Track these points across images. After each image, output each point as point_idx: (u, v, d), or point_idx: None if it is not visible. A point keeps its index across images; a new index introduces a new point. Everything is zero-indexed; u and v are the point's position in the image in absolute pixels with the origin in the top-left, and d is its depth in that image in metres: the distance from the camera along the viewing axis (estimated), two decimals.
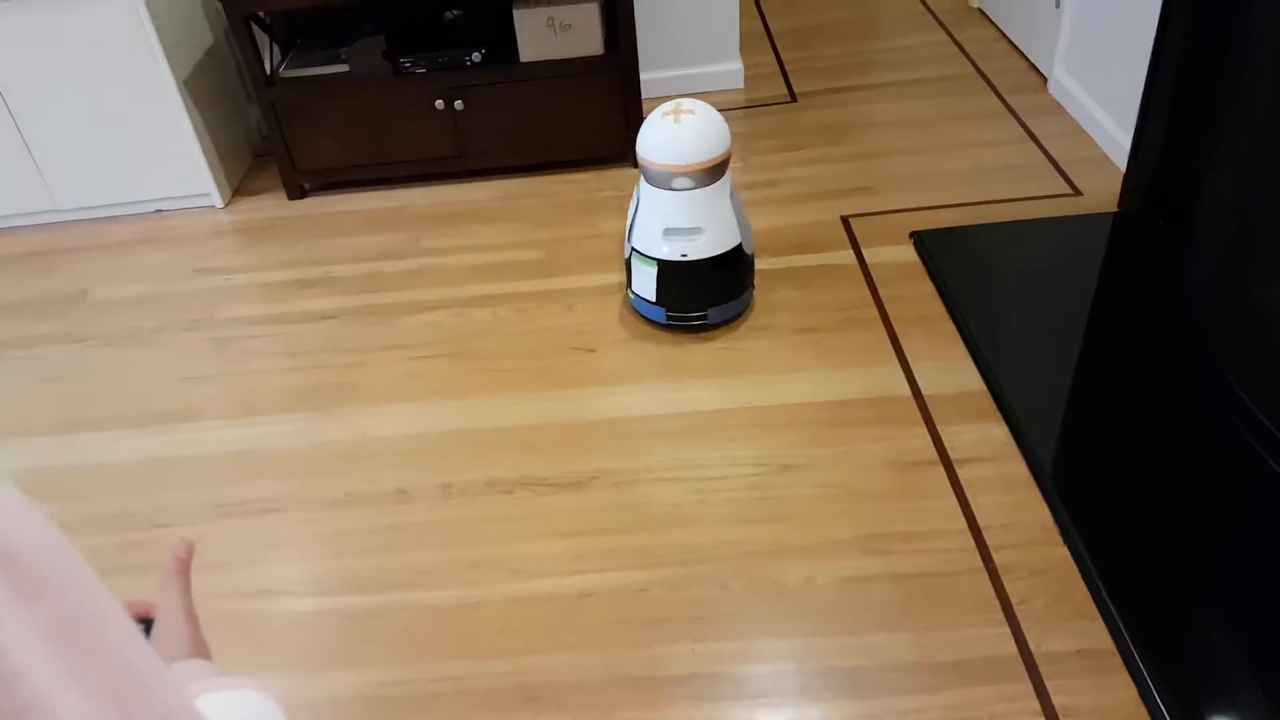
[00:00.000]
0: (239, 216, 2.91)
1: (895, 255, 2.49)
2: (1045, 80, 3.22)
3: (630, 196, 2.84)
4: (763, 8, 3.92)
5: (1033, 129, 2.97)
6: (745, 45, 3.58)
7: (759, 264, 2.49)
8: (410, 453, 2.02)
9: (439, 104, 2.75)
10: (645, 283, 2.21)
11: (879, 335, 2.24)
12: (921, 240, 2.52)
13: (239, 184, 3.07)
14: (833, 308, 2.33)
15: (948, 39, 3.55)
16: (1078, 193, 2.67)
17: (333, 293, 2.53)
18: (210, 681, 0.56)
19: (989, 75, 3.29)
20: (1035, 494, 1.85)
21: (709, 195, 2.13)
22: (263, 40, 2.87)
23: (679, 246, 2.13)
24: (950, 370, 2.13)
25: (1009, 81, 3.24)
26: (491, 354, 2.28)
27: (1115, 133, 2.76)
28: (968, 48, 3.48)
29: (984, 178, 2.77)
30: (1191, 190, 2.33)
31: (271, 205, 2.94)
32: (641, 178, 2.18)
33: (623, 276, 2.50)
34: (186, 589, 0.65)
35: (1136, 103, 2.61)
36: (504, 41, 2.74)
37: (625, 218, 2.72)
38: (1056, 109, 3.06)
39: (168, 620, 0.63)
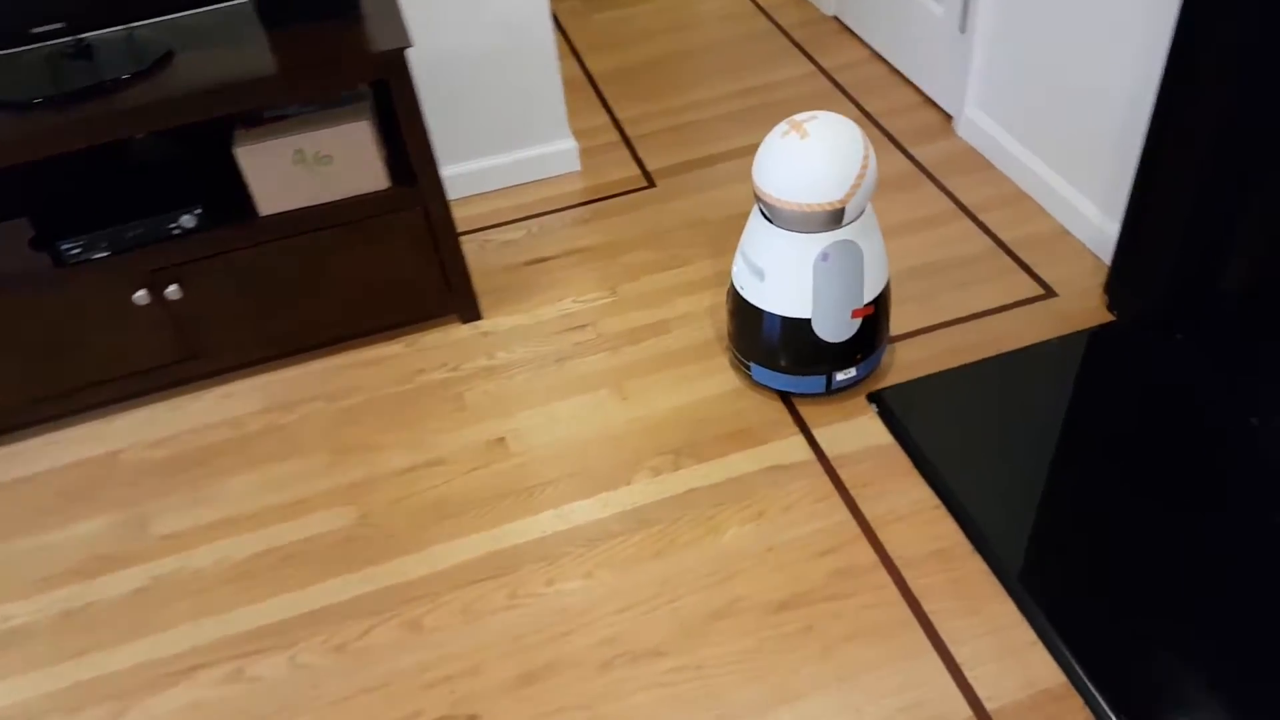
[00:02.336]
0: None
1: (860, 435, 1.76)
2: (950, 118, 2.56)
3: (464, 370, 1.97)
4: (575, 44, 3.06)
5: (961, 198, 2.30)
6: (568, 99, 2.73)
7: (685, 481, 1.69)
8: None
9: (140, 296, 1.76)
10: (727, 293, 1.84)
11: (889, 598, 1.50)
12: (886, 407, 1.79)
13: None
14: (810, 552, 1.57)
15: (813, 68, 2.83)
16: (1051, 292, 2.02)
17: (15, 666, 1.53)
18: None
19: (878, 119, 2.60)
20: None
21: (786, 242, 1.64)
22: None
23: (742, 274, 1.73)
24: (1009, 653, 1.42)
25: (908, 125, 2.56)
26: None
27: (1069, 195, 2.13)
28: (840, 78, 2.78)
29: (928, 281, 2.07)
30: (1234, 289, 1.71)
31: None
32: None
33: (498, 543, 1.64)
34: None
35: (1094, 154, 1.98)
36: (231, 190, 1.78)
37: (467, 411, 1.86)
38: (978, 162, 2.40)
39: None
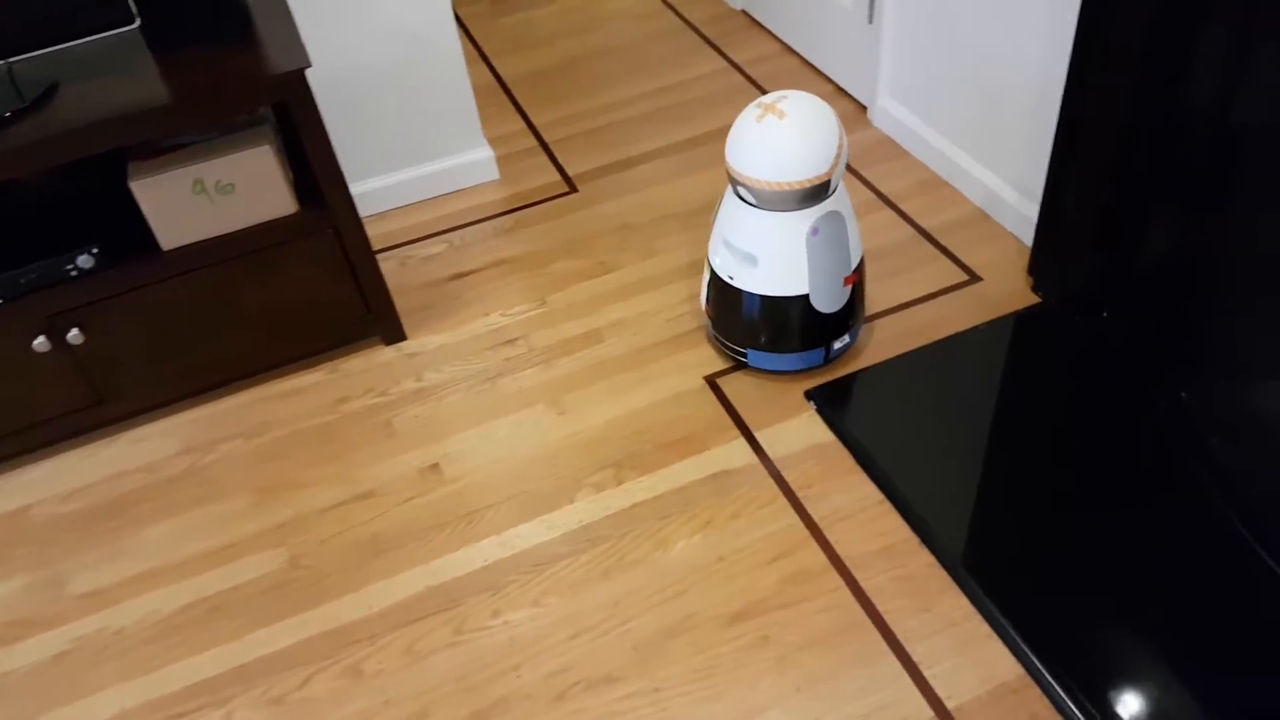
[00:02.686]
0: None
1: (801, 434, 1.74)
2: (864, 109, 2.56)
3: (391, 395, 1.90)
4: (484, 49, 2.99)
5: (880, 187, 2.30)
6: (481, 106, 2.67)
7: (629, 495, 1.66)
8: None
9: (40, 343, 1.66)
10: (704, 285, 1.84)
11: (842, 600, 1.48)
12: (825, 403, 1.78)
13: None
14: (759, 558, 1.55)
15: (725, 63, 2.81)
16: (975, 277, 2.03)
17: None
18: None
19: None
20: None
21: (777, 224, 1.64)
22: None
23: (729, 265, 1.72)
24: (965, 648, 1.41)
25: None
26: None
27: (986, 179, 2.15)
28: (752, 71, 2.76)
29: None
30: (1161, 266, 1.73)
31: None
32: None
33: (439, 576, 1.58)
34: None
35: (1008, 137, 2.00)
36: (130, 225, 1.69)
37: (397, 438, 1.80)
38: (895, 150, 2.41)
39: None
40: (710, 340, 1.94)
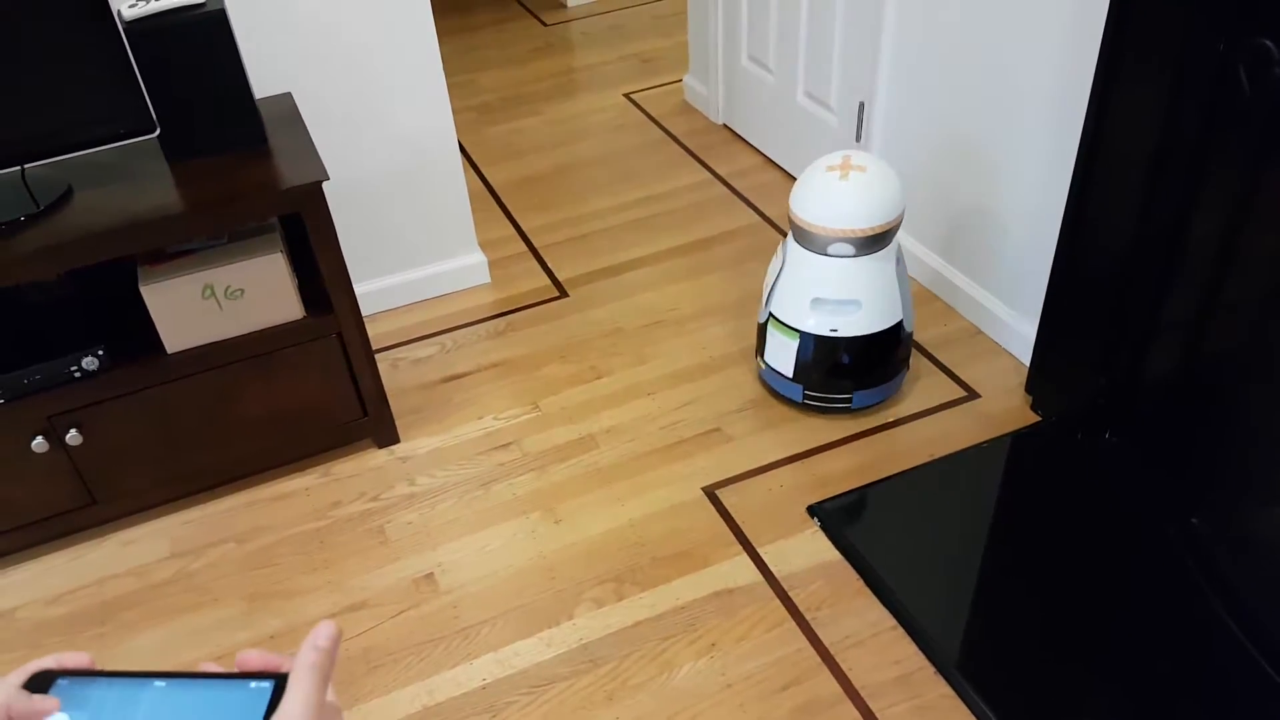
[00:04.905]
0: None
1: (806, 552, 1.74)
2: None
3: (384, 500, 1.87)
4: (473, 156, 3.04)
5: None
6: (472, 211, 2.70)
7: (631, 612, 1.64)
8: None
9: (39, 444, 1.62)
10: (782, 356, 1.94)
11: None
12: (827, 521, 1.79)
13: None
14: (769, 686, 1.53)
15: (708, 175, 2.89)
16: (973, 393, 2.07)
17: None
18: None
19: (779, 224, 2.66)
20: None
21: (873, 265, 1.83)
22: None
23: (828, 320, 1.86)
24: None
25: None
26: None
27: (978, 295, 2.21)
28: (737, 184, 2.84)
29: None
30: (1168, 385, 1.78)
31: None
32: (789, 235, 1.90)
33: (435, 695, 1.54)
34: (322, 684, 0.52)
35: (1000, 256, 2.07)
36: (135, 326, 1.67)
37: (390, 545, 1.76)
38: None
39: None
40: (801, 408, 2.02)
